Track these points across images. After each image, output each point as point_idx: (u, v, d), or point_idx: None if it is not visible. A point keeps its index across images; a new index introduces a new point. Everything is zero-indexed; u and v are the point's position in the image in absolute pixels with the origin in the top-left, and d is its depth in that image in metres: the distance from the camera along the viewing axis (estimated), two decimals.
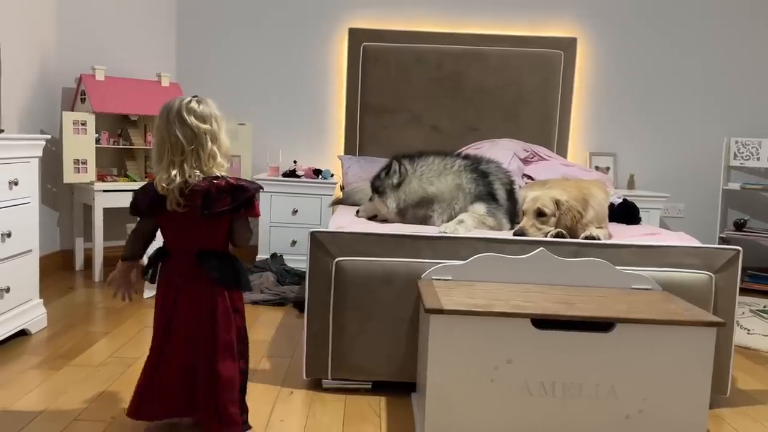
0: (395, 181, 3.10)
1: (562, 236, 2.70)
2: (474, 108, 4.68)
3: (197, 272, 1.93)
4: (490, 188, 3.17)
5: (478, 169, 3.23)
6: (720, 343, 2.20)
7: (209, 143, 1.89)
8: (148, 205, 1.95)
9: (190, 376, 1.97)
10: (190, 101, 1.91)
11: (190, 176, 1.86)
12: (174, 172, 1.86)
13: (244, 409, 2.05)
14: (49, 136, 3.25)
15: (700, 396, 2.02)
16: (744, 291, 4.08)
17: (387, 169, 3.17)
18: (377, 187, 3.18)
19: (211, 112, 1.93)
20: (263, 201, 4.39)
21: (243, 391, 2.02)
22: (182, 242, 1.95)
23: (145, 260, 2.09)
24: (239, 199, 1.87)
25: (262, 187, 1.99)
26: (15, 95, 3.66)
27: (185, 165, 1.87)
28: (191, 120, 1.87)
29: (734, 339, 2.51)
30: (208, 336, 1.93)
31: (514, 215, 3.14)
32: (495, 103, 4.67)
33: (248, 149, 4.50)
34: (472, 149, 4.09)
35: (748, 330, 3.48)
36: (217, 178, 1.89)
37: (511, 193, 3.26)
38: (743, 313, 3.80)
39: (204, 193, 1.86)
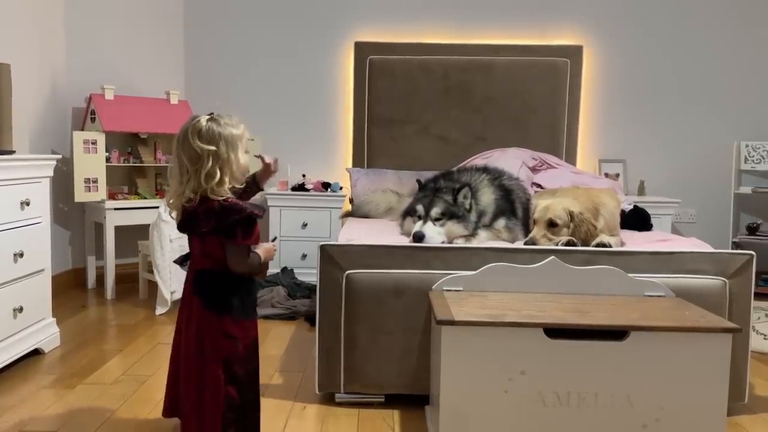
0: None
1: (573, 244, 2.68)
2: (482, 118, 4.67)
3: (194, 292, 1.93)
4: (512, 206, 3.18)
5: (502, 184, 3.25)
6: (736, 350, 2.18)
7: (211, 164, 1.83)
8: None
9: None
10: (199, 121, 1.87)
11: (189, 198, 1.84)
12: (179, 190, 1.87)
13: None
14: (59, 156, 3.27)
15: (717, 403, 1.99)
16: (759, 296, 4.02)
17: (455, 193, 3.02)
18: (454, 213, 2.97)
19: (221, 132, 1.85)
20: (272, 215, 4.40)
21: (232, 421, 1.89)
22: (191, 259, 2.00)
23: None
24: (222, 222, 1.81)
25: (258, 214, 1.86)
26: (26, 116, 3.70)
27: (187, 186, 1.85)
28: (195, 142, 1.84)
29: (750, 345, 2.48)
30: (196, 358, 1.89)
31: (528, 230, 3.13)
32: (502, 112, 4.66)
33: (257, 164, 4.50)
34: (481, 159, 4.08)
35: (765, 335, 3.44)
36: (212, 200, 1.84)
37: (526, 212, 3.26)
38: (759, 318, 3.76)
39: (191, 212, 1.84)
